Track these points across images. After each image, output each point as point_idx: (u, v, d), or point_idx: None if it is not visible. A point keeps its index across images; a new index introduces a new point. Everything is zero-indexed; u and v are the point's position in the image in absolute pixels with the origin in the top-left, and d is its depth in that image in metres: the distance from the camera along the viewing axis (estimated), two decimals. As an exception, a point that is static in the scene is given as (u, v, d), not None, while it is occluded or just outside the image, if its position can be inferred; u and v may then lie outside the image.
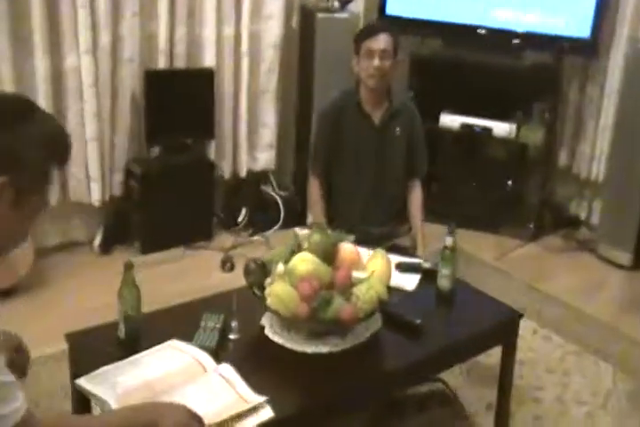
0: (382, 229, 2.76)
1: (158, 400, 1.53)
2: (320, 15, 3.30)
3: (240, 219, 3.66)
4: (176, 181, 3.38)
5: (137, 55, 3.22)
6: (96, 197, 3.28)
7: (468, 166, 3.78)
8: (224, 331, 1.87)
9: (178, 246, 3.41)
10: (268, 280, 1.89)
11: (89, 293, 2.97)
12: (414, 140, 2.80)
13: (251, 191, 3.75)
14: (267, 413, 1.57)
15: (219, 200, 3.69)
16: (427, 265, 2.26)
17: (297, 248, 1.95)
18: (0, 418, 1.20)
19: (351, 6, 3.53)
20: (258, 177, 3.75)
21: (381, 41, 2.59)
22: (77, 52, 3.05)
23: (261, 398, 1.58)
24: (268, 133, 3.66)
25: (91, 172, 3.23)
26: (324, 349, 1.83)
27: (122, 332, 1.81)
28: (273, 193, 3.73)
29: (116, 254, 3.38)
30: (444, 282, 2.11)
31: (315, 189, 2.80)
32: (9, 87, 2.96)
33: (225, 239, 3.54)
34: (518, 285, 3.24)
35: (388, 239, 2.68)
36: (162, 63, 3.28)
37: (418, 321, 1.95)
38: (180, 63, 3.34)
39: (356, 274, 1.90)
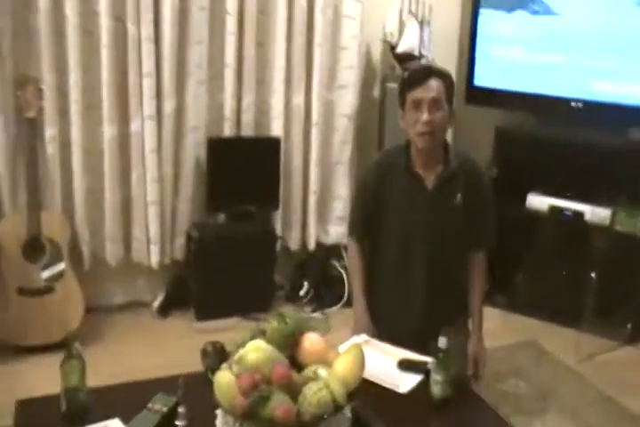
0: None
1: None
2: (390, 85, 3.19)
3: (302, 293, 3.56)
4: (237, 248, 3.36)
5: (202, 122, 3.28)
6: (155, 259, 3.36)
7: (557, 254, 3.42)
8: (170, 416, 1.71)
9: (234, 316, 3.35)
10: (224, 366, 1.70)
11: (136, 353, 3.01)
12: (479, 204, 2.33)
13: (319, 265, 3.63)
14: None
15: (285, 271, 3.62)
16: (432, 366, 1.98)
17: (258, 334, 1.76)
18: None
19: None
20: (328, 251, 3.64)
21: (431, 89, 2.16)
22: (142, 118, 3.15)
23: None
24: (340, 206, 3.58)
25: (151, 234, 3.31)
26: None
27: (63, 405, 1.72)
28: (341, 268, 3.60)
29: (173, 318, 3.43)
30: (435, 389, 1.87)
31: (354, 254, 2.43)
32: (78, 151, 3.10)
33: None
34: (594, 396, 2.83)
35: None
36: (227, 131, 3.31)
37: None
38: (248, 131, 3.35)
39: (320, 371, 1.67)
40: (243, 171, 3.33)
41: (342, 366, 1.74)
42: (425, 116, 2.15)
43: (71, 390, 1.73)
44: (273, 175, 3.37)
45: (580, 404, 2.77)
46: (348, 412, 1.72)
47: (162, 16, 3.06)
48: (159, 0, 3.06)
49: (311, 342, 1.79)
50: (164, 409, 1.75)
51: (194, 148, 3.29)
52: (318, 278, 3.56)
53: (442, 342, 1.89)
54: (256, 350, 1.69)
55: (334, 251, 3.65)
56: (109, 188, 3.20)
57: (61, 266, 3.10)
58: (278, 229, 3.50)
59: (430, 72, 2.24)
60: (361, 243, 2.43)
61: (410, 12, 3.31)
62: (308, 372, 1.69)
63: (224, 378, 1.63)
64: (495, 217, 2.41)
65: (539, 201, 3.36)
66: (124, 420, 1.71)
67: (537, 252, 3.45)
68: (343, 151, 3.44)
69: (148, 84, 3.09)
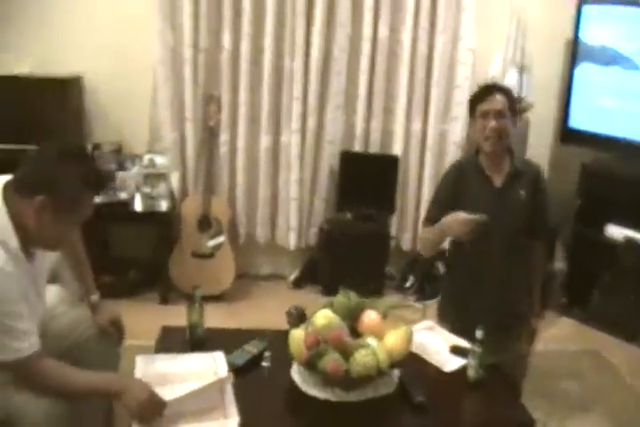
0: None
1: (158, 389, 1.70)
2: None
3: (408, 285, 3.79)
4: (358, 242, 3.64)
5: (337, 138, 3.61)
6: (293, 243, 3.75)
7: (630, 278, 3.42)
8: (259, 357, 2.04)
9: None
10: (301, 326, 2.00)
11: (268, 312, 3.20)
12: (539, 200, 2.39)
13: (424, 263, 3.80)
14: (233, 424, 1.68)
15: (396, 266, 3.87)
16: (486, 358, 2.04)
17: (329, 305, 2.06)
18: (10, 349, 1.61)
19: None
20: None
21: (496, 102, 2.27)
22: (290, 132, 3.54)
23: (235, 417, 1.71)
24: (447, 215, 3.77)
25: (291, 223, 3.70)
26: (321, 395, 1.87)
27: (187, 336, 2.11)
28: (443, 268, 3.71)
29: (304, 291, 3.79)
30: (470, 372, 2.01)
31: (424, 232, 2.46)
32: (241, 154, 3.58)
33: (392, 299, 3.68)
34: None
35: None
36: (357, 146, 3.61)
37: (419, 399, 1.89)
38: (373, 148, 3.63)
39: (370, 340, 1.92)
40: (367, 180, 3.62)
41: (391, 339, 1.94)
42: (492, 123, 2.26)
43: (192, 326, 2.09)
44: (391, 186, 3.62)
45: (625, 415, 2.71)
46: (394, 378, 1.96)
47: (311, 53, 3.41)
48: (310, 41, 3.40)
49: (369, 317, 2.03)
50: (255, 351, 2.06)
51: (329, 158, 3.61)
52: (423, 275, 3.75)
53: (478, 333, 1.99)
54: (323, 317, 1.95)
55: (439, 253, 3.88)
56: (262, 184, 3.63)
57: (222, 239, 3.55)
58: (393, 231, 3.75)
59: (495, 88, 2.35)
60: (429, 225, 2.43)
61: (513, 59, 3.43)
62: (361, 340, 1.92)
63: (297, 335, 1.92)
64: (551, 212, 2.45)
65: (616, 231, 3.39)
66: (226, 353, 2.01)
67: (612, 274, 3.46)
68: (450, 173, 3.69)
69: (297, 105, 3.46)
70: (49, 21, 3.50)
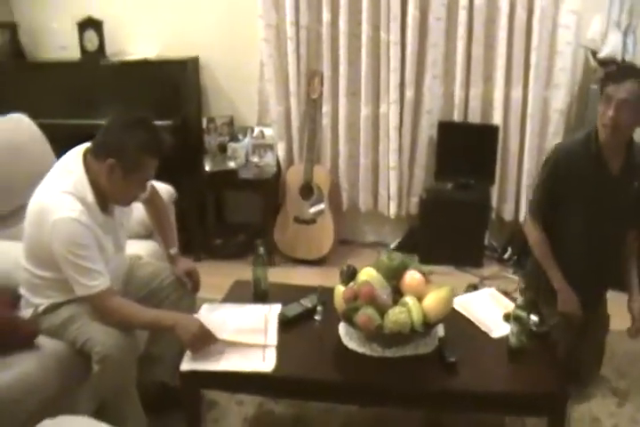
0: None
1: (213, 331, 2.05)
2: (592, 86, 3.26)
3: (506, 256, 3.84)
4: (458, 212, 3.72)
5: (435, 108, 3.72)
6: (393, 211, 3.93)
7: None
8: (311, 310, 2.29)
9: (449, 265, 3.77)
10: (350, 283, 2.17)
11: None
12: None
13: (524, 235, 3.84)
14: (267, 367, 1.97)
15: (497, 237, 3.92)
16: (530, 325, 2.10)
17: (374, 264, 2.20)
18: (84, 286, 2.03)
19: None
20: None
21: (624, 90, 2.13)
22: (388, 102, 3.71)
23: (273, 359, 2.00)
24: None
25: (391, 192, 3.89)
26: (359, 349, 2.06)
27: (252, 289, 2.42)
28: None
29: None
30: (512, 339, 2.04)
31: (532, 230, 2.49)
32: (343, 124, 3.82)
33: (490, 270, 3.78)
34: None
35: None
36: (456, 116, 3.70)
37: (452, 359, 2.00)
38: (472, 118, 3.70)
39: (408, 299, 2.04)
40: (466, 150, 3.71)
41: (430, 300, 2.04)
42: (610, 112, 2.16)
43: (257, 280, 2.39)
44: (491, 155, 3.67)
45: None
46: (435, 338, 2.07)
47: (407, 25, 3.55)
48: (405, 13, 3.53)
49: (411, 277, 2.12)
50: (309, 305, 2.30)
51: (427, 127, 3.73)
52: (521, 247, 3.69)
53: (519, 300, 2.07)
54: (366, 275, 2.13)
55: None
56: (363, 153, 3.85)
57: (322, 206, 3.80)
58: (494, 202, 3.79)
59: (630, 74, 2.21)
60: (539, 221, 2.47)
61: (618, 21, 3.28)
62: (401, 299, 2.05)
63: (340, 290, 2.12)
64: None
65: None
66: (286, 304, 2.29)
67: None
68: (554, 141, 3.58)
69: (394, 77, 3.62)
70: (167, 10, 4.00)
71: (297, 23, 3.68)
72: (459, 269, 3.79)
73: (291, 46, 3.73)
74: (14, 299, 2.20)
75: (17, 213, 2.54)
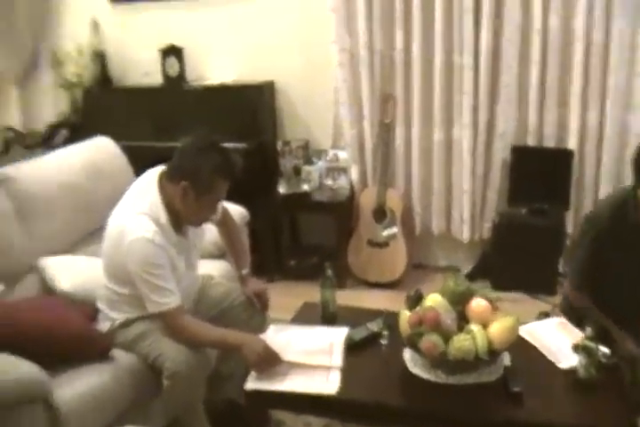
0: None
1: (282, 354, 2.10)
2: None
3: None
4: (531, 238, 3.62)
5: (509, 132, 3.68)
6: (466, 235, 3.90)
7: None
8: (377, 334, 2.29)
9: (520, 291, 3.67)
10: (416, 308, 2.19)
11: None
12: None
13: None
14: (330, 389, 2.00)
15: None
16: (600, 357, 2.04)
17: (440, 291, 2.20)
18: (156, 303, 2.11)
19: None
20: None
21: None
22: (461, 126, 3.71)
23: (337, 381, 2.03)
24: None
25: (464, 216, 3.86)
26: (423, 374, 2.06)
27: (320, 312, 2.45)
28: None
29: (476, 285, 3.86)
30: (580, 371, 2.00)
31: (580, 299, 2.38)
32: (416, 148, 3.83)
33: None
34: None
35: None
36: (530, 140, 3.66)
37: (517, 389, 1.97)
38: (547, 142, 3.64)
39: (473, 326, 2.04)
40: (541, 174, 3.64)
41: (495, 328, 2.03)
42: None
43: (325, 302, 2.41)
44: (566, 181, 3.59)
45: None
46: (500, 367, 2.05)
47: (480, 49, 3.54)
48: (478, 36, 3.53)
49: (477, 304, 2.10)
50: (375, 329, 2.31)
51: (501, 151, 3.71)
52: None
53: (588, 331, 2.02)
54: (432, 300, 2.13)
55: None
56: (436, 176, 3.84)
57: (395, 229, 3.81)
58: (569, 227, 3.69)
59: None
60: (584, 290, 2.36)
61: None
62: (466, 326, 2.03)
63: (405, 315, 2.14)
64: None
65: None
66: (353, 327, 2.31)
67: None
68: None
69: (467, 100, 3.62)
70: (244, 37, 4.15)
71: (371, 48, 3.75)
72: (531, 295, 3.71)
73: (364, 71, 3.78)
74: (93, 312, 2.32)
75: (97, 231, 2.67)
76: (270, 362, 2.08)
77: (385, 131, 3.82)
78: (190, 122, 3.94)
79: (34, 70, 4.75)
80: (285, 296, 2.81)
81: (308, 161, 4.02)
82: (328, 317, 2.45)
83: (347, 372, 2.10)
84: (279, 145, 4.03)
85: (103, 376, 2.12)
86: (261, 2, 4.06)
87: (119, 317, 2.26)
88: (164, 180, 2.21)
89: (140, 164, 3.08)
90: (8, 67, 4.68)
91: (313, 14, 3.95)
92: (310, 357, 2.16)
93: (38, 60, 4.72)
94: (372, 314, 2.48)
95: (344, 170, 3.96)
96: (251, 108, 3.97)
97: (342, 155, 3.99)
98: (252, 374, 2.09)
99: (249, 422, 2.18)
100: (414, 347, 2.05)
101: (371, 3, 3.68)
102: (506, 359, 2.13)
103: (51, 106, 4.65)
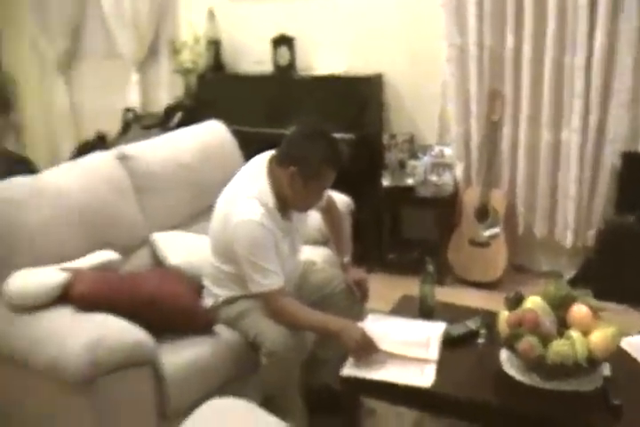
0: None
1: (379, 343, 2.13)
2: None
3: None
4: (637, 247, 3.48)
5: (620, 137, 3.53)
6: (570, 241, 3.79)
7: None
8: (475, 333, 2.29)
9: (623, 303, 3.49)
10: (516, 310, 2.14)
11: None
12: None
13: None
14: (424, 382, 2.02)
15: None
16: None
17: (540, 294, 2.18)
18: (258, 284, 2.17)
19: None
20: None
21: None
22: (570, 129, 3.60)
23: (431, 375, 2.05)
24: None
25: (568, 221, 3.75)
26: (519, 377, 2.03)
27: (418, 306, 2.46)
28: None
29: (577, 292, 3.76)
30: None
31: None
32: (523, 148, 3.75)
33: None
34: None
35: None
36: None
37: (617, 402, 1.91)
38: None
39: (573, 332, 2.00)
40: None
41: (596, 336, 1.98)
42: None
43: (424, 296, 2.42)
44: None
45: None
46: (599, 377, 1.99)
47: (593, 50, 3.41)
48: (592, 37, 3.40)
49: (579, 310, 2.07)
50: (473, 327, 2.30)
51: (611, 157, 3.56)
52: None
53: None
54: (532, 302, 2.11)
55: None
56: (542, 179, 3.74)
57: (497, 230, 3.75)
58: None
59: None
60: None
61: None
62: (566, 332, 2.00)
63: (504, 315, 2.12)
64: None
65: None
66: (450, 323, 2.32)
67: None
68: None
69: (578, 102, 3.50)
70: (354, 29, 4.18)
71: (480, 43, 3.69)
72: (635, 308, 3.57)
73: (473, 67, 3.74)
74: (199, 288, 2.41)
75: (206, 211, 2.77)
76: (367, 350, 2.10)
77: (492, 129, 3.75)
78: (298, 110, 4.01)
79: (153, 56, 4.97)
80: (384, 288, 2.83)
81: (413, 155, 4.01)
82: (426, 311, 2.45)
83: (442, 366, 2.11)
84: (385, 138, 4.04)
85: (205, 349, 2.21)
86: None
87: (223, 294, 2.34)
88: (273, 165, 2.26)
89: (247, 148, 3.19)
90: (131, 52, 4.91)
91: (423, 8, 3.94)
92: (407, 348, 2.17)
93: (158, 47, 4.94)
94: (470, 312, 2.47)
95: (449, 166, 3.92)
96: (358, 99, 3.99)
97: (447, 151, 3.95)
98: (350, 360, 2.12)
99: (342, 408, 2.20)
100: (511, 348, 2.04)
101: (481, -3, 3.63)
102: (606, 370, 2.06)
103: (167, 90, 4.87)
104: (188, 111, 4.41)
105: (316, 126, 2.26)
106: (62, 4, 5.15)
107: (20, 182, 2.40)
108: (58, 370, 1.90)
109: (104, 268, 2.29)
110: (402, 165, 4.00)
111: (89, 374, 1.87)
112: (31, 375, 2.01)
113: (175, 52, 4.64)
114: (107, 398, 1.94)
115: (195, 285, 2.41)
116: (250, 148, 3.15)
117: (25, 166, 2.93)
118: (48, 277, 2.13)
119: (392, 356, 2.14)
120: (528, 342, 1.98)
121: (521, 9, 3.56)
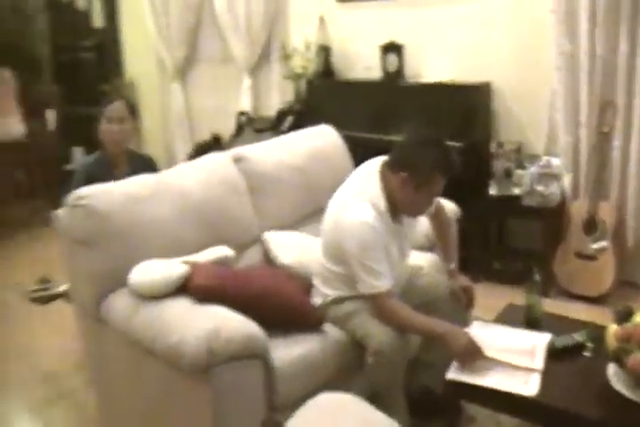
0: None
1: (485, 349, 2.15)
2: None
3: None
4: None
5: None
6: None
7: None
8: (581, 346, 2.27)
9: None
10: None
11: None
12: None
13: None
14: (529, 391, 2.01)
15: None
16: None
17: None
18: (368, 285, 2.22)
19: None
20: None
21: None
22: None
23: (536, 384, 2.04)
24: None
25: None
26: (627, 392, 1.99)
27: (524, 315, 2.46)
28: None
29: None
30: None
31: None
32: (634, 160, 3.63)
33: None
34: None
35: None
36: None
37: None
38: None
39: None
40: None
41: None
42: None
43: (530, 306, 2.42)
44: None
45: None
46: None
47: None
48: None
49: None
50: (579, 339, 2.29)
51: None
52: None
53: None
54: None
55: None
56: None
57: (605, 243, 3.65)
58: None
59: None
60: None
61: None
62: None
63: (612, 329, 2.08)
64: None
65: None
66: (556, 335, 2.29)
67: None
68: None
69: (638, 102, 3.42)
70: (463, 37, 4.19)
71: (592, 52, 3.60)
72: None
73: (583, 75, 3.66)
74: (308, 287, 2.49)
75: (316, 213, 2.87)
76: (473, 355, 2.12)
77: (602, 140, 3.67)
78: (405, 117, 4.06)
79: (265, 62, 5.15)
80: (488, 297, 2.82)
81: (520, 165, 3.97)
82: (532, 321, 2.45)
83: (546, 377, 2.10)
84: (493, 146, 4.02)
85: (314, 346, 2.29)
86: (481, 2, 4.07)
87: (332, 293, 2.42)
88: (385, 169, 2.32)
89: (354, 153, 3.27)
90: (244, 57, 5.10)
91: (532, 15, 3.90)
92: (512, 356, 2.17)
93: (269, 52, 5.11)
94: (576, 324, 2.45)
95: (556, 177, 3.86)
96: (466, 107, 4.00)
97: (555, 161, 3.89)
98: (454, 364, 2.15)
99: (443, 412, 2.23)
100: (619, 363, 2.00)
101: (594, 3, 3.52)
102: None
103: (277, 94, 5.02)
104: (298, 115, 4.53)
105: (430, 133, 2.31)
106: (181, 13, 5.41)
107: (145, 180, 2.57)
108: (177, 357, 2.02)
109: (220, 263, 2.41)
110: (508, 174, 3.97)
111: (205, 363, 1.98)
112: (155, 361, 2.14)
113: (286, 57, 4.79)
114: (219, 387, 2.04)
115: (304, 283, 2.50)
116: (357, 152, 3.24)
117: (148, 165, 3.09)
118: (170, 268, 2.27)
119: (497, 363, 2.15)
120: (637, 358, 1.94)
121: (636, 14, 3.46)
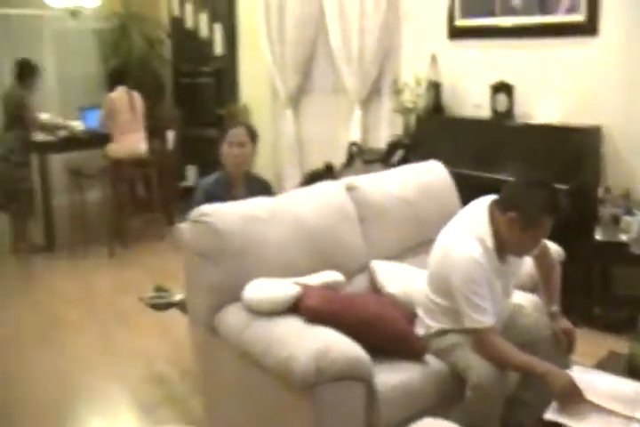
0: None
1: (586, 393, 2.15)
2: None
3: None
4: None
5: None
6: None
7: None
8: None
9: None
10: None
11: None
12: None
13: None
14: None
15: None
16: None
17: None
18: (473, 320, 2.28)
19: None
20: None
21: None
22: None
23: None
24: None
25: None
26: None
27: (626, 364, 2.42)
28: None
29: None
30: None
31: None
32: None
33: None
34: None
35: None
36: None
37: None
38: None
39: None
40: None
41: None
42: None
43: (634, 355, 2.36)
44: None
45: None
46: None
47: None
48: None
49: None
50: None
51: None
52: None
53: None
54: None
55: None
56: None
57: None
58: None
59: None
60: None
61: None
62: None
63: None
64: None
65: None
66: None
67: None
68: None
69: None
70: (573, 79, 4.20)
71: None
72: None
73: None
74: (412, 316, 2.57)
75: (421, 245, 2.95)
76: (574, 397, 2.13)
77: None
78: (512, 157, 4.10)
79: (375, 95, 5.31)
80: (588, 344, 2.80)
81: (629, 211, 3.92)
82: (635, 370, 2.41)
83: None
84: (600, 191, 4.00)
85: (415, 374, 2.36)
86: (595, 46, 4.09)
87: (435, 325, 2.48)
88: (494, 208, 2.38)
89: (460, 189, 3.33)
90: (355, 89, 5.28)
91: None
92: (613, 403, 2.16)
93: (380, 86, 5.26)
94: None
95: (661, 225, 3.79)
96: (574, 150, 4.00)
97: (668, 209, 3.83)
98: (553, 405, 2.16)
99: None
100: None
101: None
102: None
103: (387, 127, 5.16)
104: (407, 149, 4.64)
105: (538, 176, 2.36)
106: (296, 44, 5.67)
107: (262, 203, 2.74)
108: (286, 372, 2.14)
109: (329, 287, 2.53)
110: (615, 220, 3.93)
111: (313, 380, 2.09)
112: (262, 373, 2.27)
113: (397, 91, 4.93)
114: (323, 405, 2.14)
115: (409, 313, 2.58)
116: (462, 189, 3.31)
117: (265, 188, 3.27)
118: (283, 288, 2.41)
119: (597, 408, 2.14)
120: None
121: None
